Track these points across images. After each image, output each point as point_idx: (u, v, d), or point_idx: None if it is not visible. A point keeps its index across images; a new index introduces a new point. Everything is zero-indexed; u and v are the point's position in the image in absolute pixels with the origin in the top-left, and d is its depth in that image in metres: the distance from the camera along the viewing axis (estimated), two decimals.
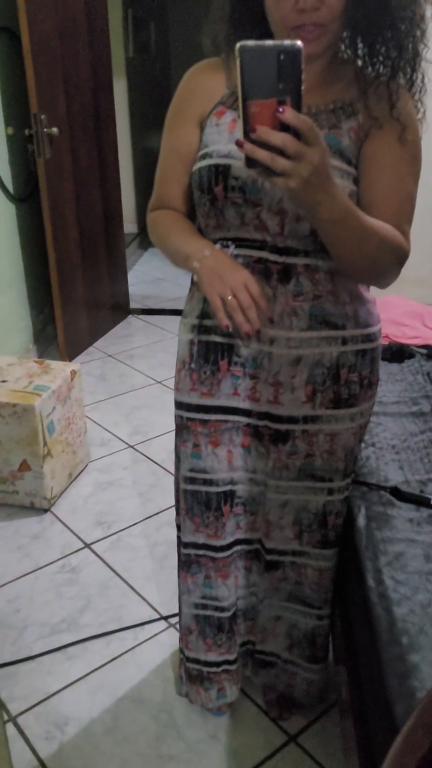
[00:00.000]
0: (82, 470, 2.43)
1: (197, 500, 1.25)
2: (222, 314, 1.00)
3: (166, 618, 1.74)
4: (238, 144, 0.77)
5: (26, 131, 2.98)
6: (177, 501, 1.33)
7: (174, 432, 1.28)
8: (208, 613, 1.34)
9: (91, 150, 3.35)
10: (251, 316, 1.00)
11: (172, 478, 2.38)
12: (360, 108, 1.03)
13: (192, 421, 1.21)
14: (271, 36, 1.01)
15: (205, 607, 1.34)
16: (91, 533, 2.09)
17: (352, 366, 1.14)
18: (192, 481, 1.25)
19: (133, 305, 4.15)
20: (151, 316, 4.08)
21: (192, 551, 1.30)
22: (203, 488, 1.24)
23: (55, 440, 2.18)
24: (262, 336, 1.10)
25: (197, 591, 1.33)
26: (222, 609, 1.33)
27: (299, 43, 0.75)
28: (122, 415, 2.86)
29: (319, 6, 0.92)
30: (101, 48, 3.33)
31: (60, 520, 2.15)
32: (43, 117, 2.83)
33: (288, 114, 0.75)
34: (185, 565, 1.33)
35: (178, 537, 1.34)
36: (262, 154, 0.77)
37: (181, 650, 1.44)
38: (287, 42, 0.75)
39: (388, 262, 0.99)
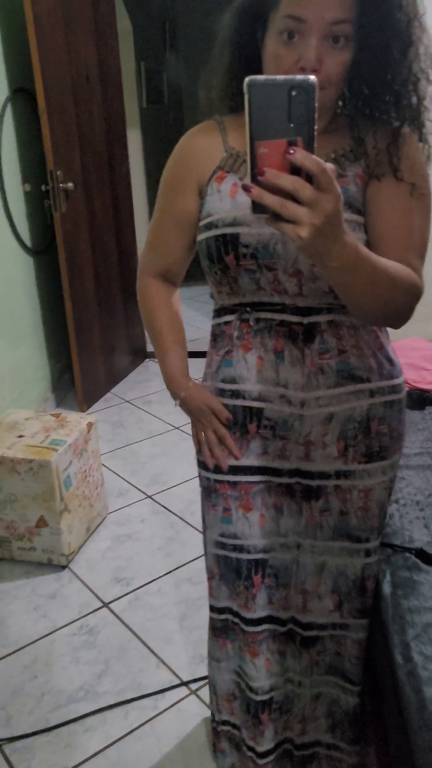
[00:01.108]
0: (100, 523, 2.40)
1: (228, 567, 1.20)
2: (201, 450, 1.17)
3: (187, 684, 1.68)
4: (245, 188, 0.70)
5: (43, 187, 3.03)
6: (207, 565, 1.27)
7: (197, 486, 1.25)
8: (243, 686, 1.28)
9: (106, 201, 3.40)
10: (216, 454, 1.15)
11: (190, 530, 2.33)
12: (361, 153, 1.01)
13: (221, 483, 1.17)
14: None
15: (241, 677, 1.28)
16: (109, 591, 2.05)
17: (382, 418, 1.11)
18: (222, 546, 1.20)
19: (150, 349, 4.16)
20: None
21: (229, 617, 1.25)
22: (234, 554, 1.19)
23: (71, 494, 2.16)
24: (292, 399, 1.08)
25: (236, 659, 1.27)
26: (252, 690, 1.25)
27: (313, 78, 0.67)
28: (140, 464, 2.83)
29: (318, 68, 0.90)
30: (114, 102, 3.40)
31: (78, 577, 2.11)
32: (59, 173, 2.88)
33: (299, 155, 0.67)
34: (222, 631, 1.27)
35: (210, 604, 1.28)
36: (270, 200, 0.69)
37: (213, 719, 1.37)
38: (300, 77, 0.67)
39: (402, 301, 0.93)
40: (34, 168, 3.03)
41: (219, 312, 1.14)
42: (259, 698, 1.25)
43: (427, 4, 0.98)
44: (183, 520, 2.41)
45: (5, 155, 2.76)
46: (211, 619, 1.29)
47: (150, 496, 2.58)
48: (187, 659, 1.76)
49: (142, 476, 2.73)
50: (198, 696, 1.65)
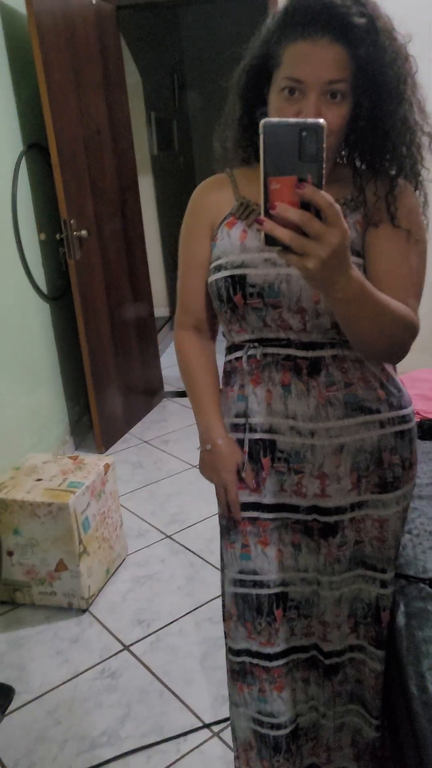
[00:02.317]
0: (120, 565, 2.41)
1: (248, 605, 1.21)
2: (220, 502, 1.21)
3: (209, 726, 1.67)
4: (258, 221, 0.75)
5: (57, 235, 3.13)
6: (224, 606, 1.28)
7: (216, 524, 1.29)
8: (264, 731, 1.25)
9: (120, 246, 3.49)
10: (233, 510, 1.19)
11: (209, 568, 2.33)
12: (361, 201, 1.07)
13: (241, 521, 1.19)
14: None
15: (261, 723, 1.25)
16: (129, 633, 2.05)
17: (393, 449, 1.14)
18: (242, 583, 1.21)
19: (167, 388, 4.21)
20: (185, 398, 4.12)
21: (246, 659, 1.24)
22: (254, 591, 1.20)
23: (90, 537, 2.17)
24: (302, 430, 1.11)
25: (253, 704, 1.25)
26: (278, 726, 1.24)
27: (322, 120, 0.73)
28: (158, 504, 2.85)
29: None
30: (125, 152, 3.52)
31: (98, 621, 2.12)
32: (72, 222, 2.98)
33: (308, 190, 0.73)
34: (239, 675, 1.26)
35: (228, 646, 1.28)
36: (280, 232, 0.74)
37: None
38: (310, 120, 0.74)
39: (401, 336, 0.97)
40: (48, 217, 3.14)
41: (230, 349, 1.20)
42: (286, 732, 1.24)
43: (422, 60, 1.03)
44: (202, 558, 2.41)
45: (21, 206, 2.87)
46: (229, 662, 1.28)
47: (169, 536, 2.59)
48: (210, 700, 1.74)
49: (161, 516, 2.74)
50: (221, 738, 1.63)
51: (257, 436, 1.15)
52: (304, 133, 0.73)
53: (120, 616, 2.13)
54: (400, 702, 1.11)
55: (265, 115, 1.04)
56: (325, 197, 0.73)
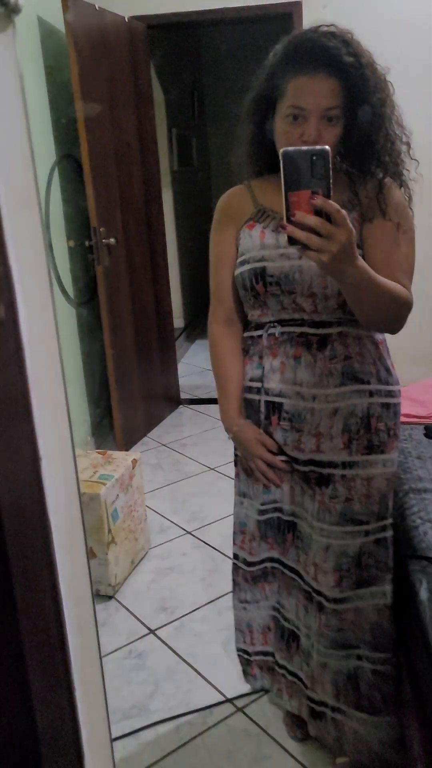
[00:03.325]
0: (143, 557, 2.50)
1: (270, 526, 1.46)
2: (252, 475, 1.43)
3: (233, 700, 1.76)
4: (282, 226, 0.99)
5: (86, 242, 3.27)
6: (234, 533, 1.54)
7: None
8: (279, 616, 1.53)
9: (144, 255, 3.63)
10: (270, 477, 1.39)
11: (229, 563, 2.41)
12: (357, 202, 1.28)
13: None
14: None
15: (278, 611, 1.53)
16: (155, 619, 2.14)
17: (379, 417, 1.34)
18: (264, 512, 1.45)
19: (183, 395, 4.32)
20: (200, 405, 4.23)
21: (268, 564, 1.50)
22: (275, 515, 1.44)
23: (118, 527, 2.27)
24: (305, 395, 1.31)
25: (273, 597, 1.53)
26: (287, 619, 1.51)
27: (327, 147, 0.97)
28: (179, 502, 2.94)
29: (318, 140, 1.19)
30: (151, 165, 3.67)
31: (124, 607, 2.21)
32: (102, 229, 3.11)
33: (319, 201, 0.97)
34: (261, 577, 1.52)
35: (234, 564, 1.56)
36: (300, 234, 0.98)
37: (246, 652, 1.61)
38: (318, 147, 0.97)
39: (398, 311, 1.21)
40: (77, 225, 3.27)
41: (252, 327, 1.41)
42: (293, 626, 1.50)
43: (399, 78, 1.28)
44: (222, 553, 2.50)
45: (52, 214, 3.00)
46: (248, 573, 1.52)
47: (190, 532, 2.68)
48: (234, 680, 1.83)
49: (181, 514, 2.84)
50: (244, 713, 1.72)
51: (268, 398, 1.36)
52: (314, 157, 0.97)
53: (145, 603, 2.22)
54: (426, 668, 1.20)
55: (272, 135, 1.28)
56: (333, 205, 0.97)
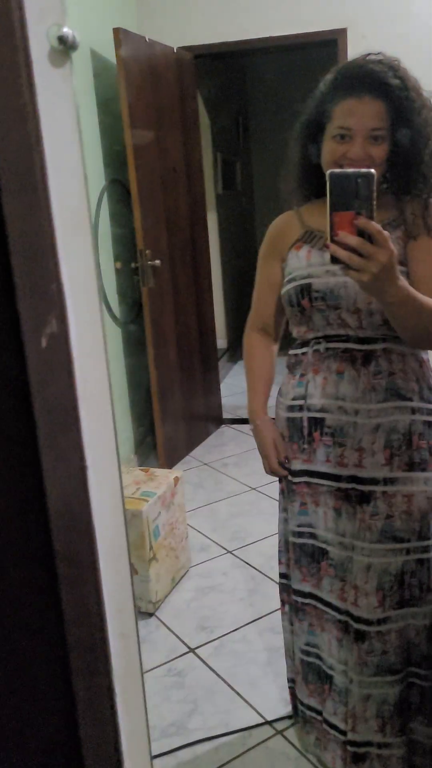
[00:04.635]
0: (184, 575, 2.51)
1: (304, 552, 1.45)
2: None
3: (272, 723, 1.74)
4: (326, 246, 1.01)
5: (132, 264, 3.34)
6: (280, 551, 1.55)
7: (275, 543, 1.54)
8: (311, 660, 1.50)
9: (189, 277, 3.69)
10: (276, 471, 1.47)
11: (270, 583, 2.41)
12: (402, 221, 1.31)
13: (298, 484, 1.43)
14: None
15: (308, 654, 1.50)
16: (194, 638, 2.14)
17: (422, 434, 1.33)
18: (300, 535, 1.45)
19: (225, 415, 4.33)
20: (242, 425, 4.24)
21: (299, 599, 1.48)
22: (309, 541, 1.44)
23: (159, 545, 2.29)
24: (348, 409, 1.32)
25: (303, 637, 1.50)
26: (320, 658, 1.48)
27: (372, 170, 0.99)
28: (220, 522, 2.95)
29: (363, 159, 1.22)
30: (196, 189, 3.75)
31: (164, 624, 2.22)
32: (147, 252, 3.18)
33: (362, 221, 0.99)
34: (294, 610, 1.50)
35: (283, 584, 1.55)
36: (342, 254, 1.00)
37: (293, 681, 1.59)
38: (363, 170, 0.99)
39: None
40: (124, 247, 3.36)
41: (298, 345, 1.43)
42: (325, 665, 1.46)
43: None
44: (263, 573, 2.49)
45: (100, 237, 3.09)
46: (289, 597, 1.52)
47: (231, 552, 2.68)
48: (274, 702, 1.81)
49: (222, 533, 2.84)
50: (284, 736, 1.70)
51: (310, 414, 1.37)
52: (359, 180, 0.99)
53: (185, 621, 2.23)
54: None
55: (320, 160, 1.30)
56: (375, 226, 0.99)
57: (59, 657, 0.64)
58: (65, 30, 0.48)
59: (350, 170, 0.99)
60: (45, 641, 0.64)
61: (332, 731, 1.48)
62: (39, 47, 0.49)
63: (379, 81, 1.20)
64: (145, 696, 0.68)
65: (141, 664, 0.66)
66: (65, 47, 0.49)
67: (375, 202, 0.99)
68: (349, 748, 1.43)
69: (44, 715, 0.68)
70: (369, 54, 1.26)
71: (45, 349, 0.55)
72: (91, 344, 0.57)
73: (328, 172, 0.99)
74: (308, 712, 1.55)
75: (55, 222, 0.53)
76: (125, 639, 0.65)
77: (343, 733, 1.45)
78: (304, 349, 1.40)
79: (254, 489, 3.25)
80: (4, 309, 0.54)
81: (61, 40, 0.49)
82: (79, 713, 0.67)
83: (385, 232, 1.00)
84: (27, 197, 0.52)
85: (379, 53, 1.25)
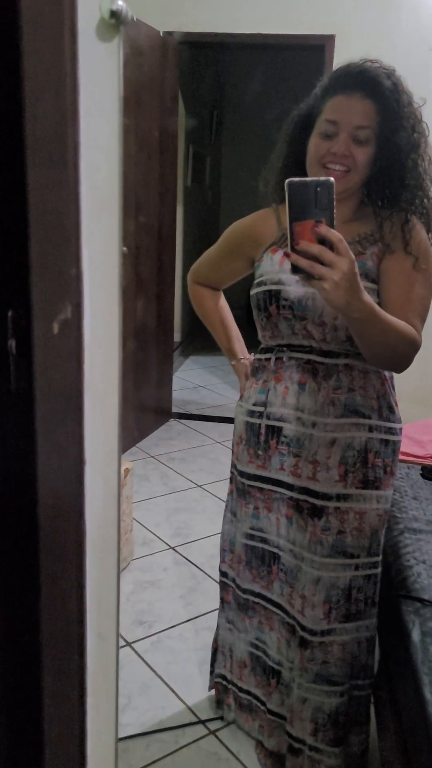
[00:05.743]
0: (124, 568, 2.48)
1: (255, 555, 1.48)
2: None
3: (204, 723, 1.74)
4: (287, 254, 1.00)
5: None
6: (223, 551, 1.58)
7: (217, 542, 1.58)
8: (259, 653, 1.53)
9: (152, 267, 3.64)
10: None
11: (210, 582, 2.41)
12: (380, 236, 1.29)
13: (252, 487, 1.44)
14: None
15: (257, 647, 1.53)
16: (132, 632, 2.11)
17: (378, 452, 1.34)
18: (251, 537, 1.47)
19: (174, 409, 4.31)
20: (191, 420, 4.23)
21: (250, 597, 1.51)
22: (260, 545, 1.46)
23: None
24: (306, 421, 1.32)
25: (253, 632, 1.53)
26: (268, 655, 1.51)
27: (331, 179, 0.98)
28: (163, 516, 2.92)
29: (348, 154, 1.22)
30: (169, 179, 3.70)
31: None
32: None
33: (322, 229, 0.98)
34: (243, 608, 1.53)
35: (223, 582, 1.60)
36: (303, 262, 0.99)
37: (225, 679, 1.65)
38: (322, 178, 0.98)
39: (404, 350, 1.19)
40: None
41: (262, 350, 1.44)
42: (272, 661, 1.49)
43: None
44: (204, 572, 2.49)
45: None
46: (236, 596, 1.55)
47: (173, 548, 2.66)
48: (207, 702, 1.81)
49: (165, 528, 2.82)
50: (216, 736, 1.70)
51: (269, 422, 1.38)
52: (318, 188, 0.97)
53: (123, 615, 2.20)
54: (414, 708, 1.20)
55: (305, 157, 1.30)
56: (336, 235, 0.98)
57: (31, 652, 0.62)
58: (119, 3, 0.46)
59: (309, 179, 0.98)
60: (18, 634, 0.62)
61: (279, 720, 1.50)
62: (88, 19, 0.46)
63: (372, 81, 1.21)
64: (117, 699, 0.66)
65: (117, 666, 0.64)
66: (117, 21, 0.47)
67: (335, 211, 0.98)
68: (287, 738, 1.47)
69: (7, 709, 0.65)
70: (366, 59, 1.26)
71: (56, 336, 0.52)
72: (104, 333, 0.54)
73: (286, 182, 0.98)
74: (254, 702, 1.59)
75: (81, 202, 0.51)
76: (103, 640, 0.62)
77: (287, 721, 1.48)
78: (267, 356, 1.40)
79: (200, 486, 3.24)
80: (16, 290, 0.51)
81: (114, 14, 0.46)
82: (44, 710, 0.64)
83: (345, 242, 0.99)
84: (55, 172, 0.50)
85: (375, 60, 1.26)
